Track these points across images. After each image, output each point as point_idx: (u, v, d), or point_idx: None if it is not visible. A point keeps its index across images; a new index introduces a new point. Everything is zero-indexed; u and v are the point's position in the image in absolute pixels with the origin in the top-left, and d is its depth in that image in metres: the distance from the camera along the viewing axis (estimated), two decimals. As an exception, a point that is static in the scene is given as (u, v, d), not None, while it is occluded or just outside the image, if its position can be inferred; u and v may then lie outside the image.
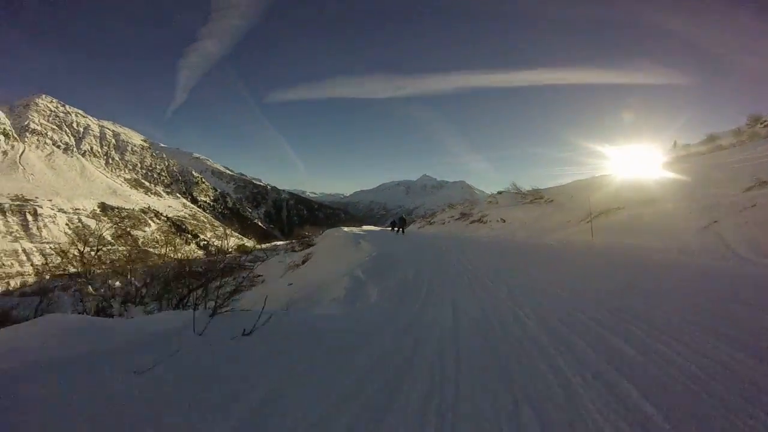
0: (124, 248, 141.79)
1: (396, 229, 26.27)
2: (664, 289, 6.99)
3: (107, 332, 3.89)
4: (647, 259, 10.55)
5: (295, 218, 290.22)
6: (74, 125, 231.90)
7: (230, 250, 38.41)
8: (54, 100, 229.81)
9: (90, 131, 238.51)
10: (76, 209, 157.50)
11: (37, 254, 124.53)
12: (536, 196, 28.57)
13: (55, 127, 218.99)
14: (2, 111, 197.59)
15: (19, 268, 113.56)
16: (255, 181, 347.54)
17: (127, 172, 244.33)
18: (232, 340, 4.31)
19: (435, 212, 51.79)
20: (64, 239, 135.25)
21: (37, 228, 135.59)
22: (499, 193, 36.05)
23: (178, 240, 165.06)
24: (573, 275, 9.28)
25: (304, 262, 20.16)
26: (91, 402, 2.65)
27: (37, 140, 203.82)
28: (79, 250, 10.24)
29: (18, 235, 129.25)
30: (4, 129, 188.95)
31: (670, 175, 19.28)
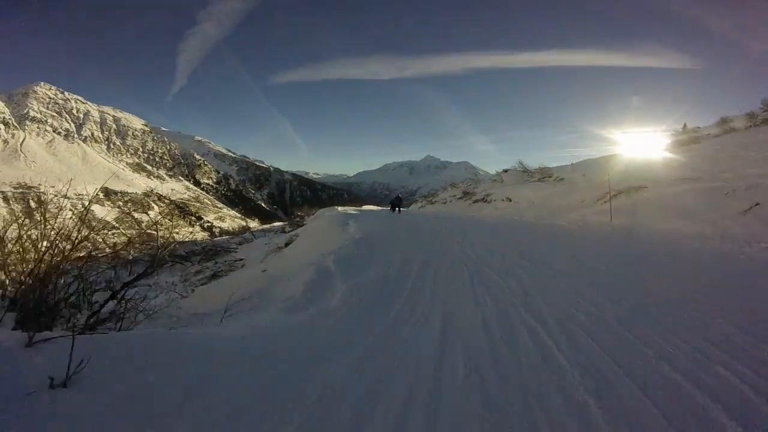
0: (129, 232, 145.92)
1: (393, 208, 25.36)
2: (734, 299, 5.08)
3: None
4: (686, 248, 8.77)
5: (298, 199, 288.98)
6: (74, 112, 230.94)
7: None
8: (53, 88, 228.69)
9: (90, 117, 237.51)
10: (79, 195, 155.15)
11: (43, 240, 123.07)
12: (545, 174, 26.81)
13: (54, 114, 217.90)
14: (1, 100, 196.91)
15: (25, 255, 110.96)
16: (258, 163, 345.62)
17: (129, 156, 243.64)
18: (27, 397, 2.42)
19: (436, 191, 49.78)
20: (69, 225, 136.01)
21: (41, 214, 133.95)
22: (505, 171, 33.43)
23: (181, 222, 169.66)
24: (600, 269, 7.35)
25: (287, 244, 18.51)
26: None
27: (38, 128, 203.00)
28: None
29: (22, 222, 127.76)
30: (4, 118, 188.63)
31: (694, 153, 17.50)
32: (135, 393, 2.80)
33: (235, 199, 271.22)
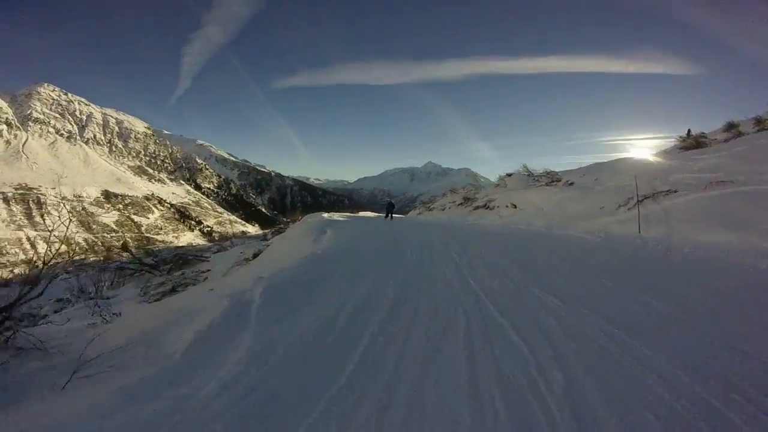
0: (128, 235, 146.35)
1: (387, 215, 24.92)
2: None
3: None
4: (761, 273, 6.35)
5: (299, 205, 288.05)
6: (77, 113, 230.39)
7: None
8: (56, 89, 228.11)
9: (93, 119, 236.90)
10: (79, 197, 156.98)
11: (41, 242, 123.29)
12: (553, 178, 24.67)
13: (57, 115, 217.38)
14: (4, 101, 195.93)
15: (23, 256, 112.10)
16: (259, 168, 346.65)
17: (130, 159, 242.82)
18: None
19: (435, 197, 47.71)
20: (69, 227, 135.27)
21: (41, 216, 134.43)
22: (508, 175, 30.94)
23: (181, 226, 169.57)
24: (669, 314, 4.86)
25: (254, 256, 16.33)
26: None
27: (40, 129, 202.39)
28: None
29: (21, 224, 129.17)
30: (7, 119, 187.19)
31: (718, 153, 15.47)
32: None
33: (235, 203, 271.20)
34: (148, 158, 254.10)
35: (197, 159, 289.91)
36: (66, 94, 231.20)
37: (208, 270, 17.18)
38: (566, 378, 3.38)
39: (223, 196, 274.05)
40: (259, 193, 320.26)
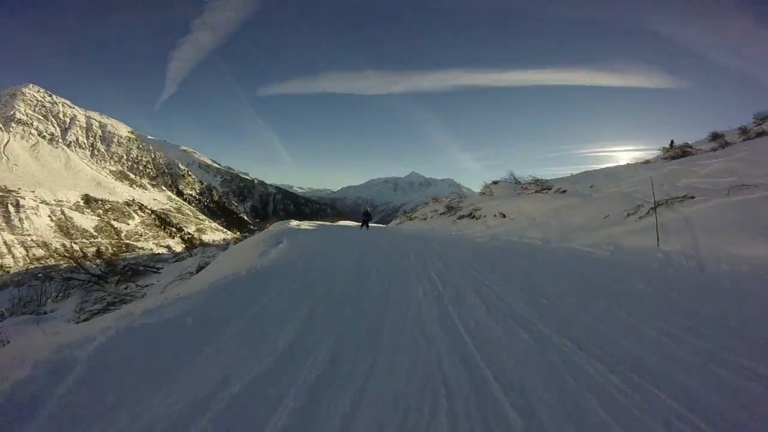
0: (107, 241, 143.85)
1: (363, 224, 23.80)
2: None
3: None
4: None
5: (281, 213, 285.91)
6: (61, 115, 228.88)
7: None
8: (41, 90, 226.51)
9: (76, 122, 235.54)
10: (59, 201, 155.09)
11: (18, 246, 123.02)
12: (543, 186, 22.79)
13: (41, 117, 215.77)
14: None
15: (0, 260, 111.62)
16: (242, 175, 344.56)
17: (112, 163, 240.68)
18: None
19: (418, 207, 44.99)
20: (46, 231, 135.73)
21: (19, 219, 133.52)
22: (495, 182, 28.85)
23: (161, 233, 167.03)
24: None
25: (199, 269, 14.19)
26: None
27: (23, 130, 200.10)
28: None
29: None
30: None
31: (727, 158, 13.65)
32: None
33: (217, 210, 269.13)
34: (130, 163, 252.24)
35: (180, 165, 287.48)
36: (50, 96, 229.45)
37: (149, 285, 15.69)
38: None
39: (205, 203, 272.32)
40: (241, 200, 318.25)
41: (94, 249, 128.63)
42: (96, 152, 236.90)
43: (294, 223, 21.81)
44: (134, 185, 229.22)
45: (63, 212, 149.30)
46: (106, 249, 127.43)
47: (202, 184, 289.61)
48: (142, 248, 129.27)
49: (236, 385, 3.08)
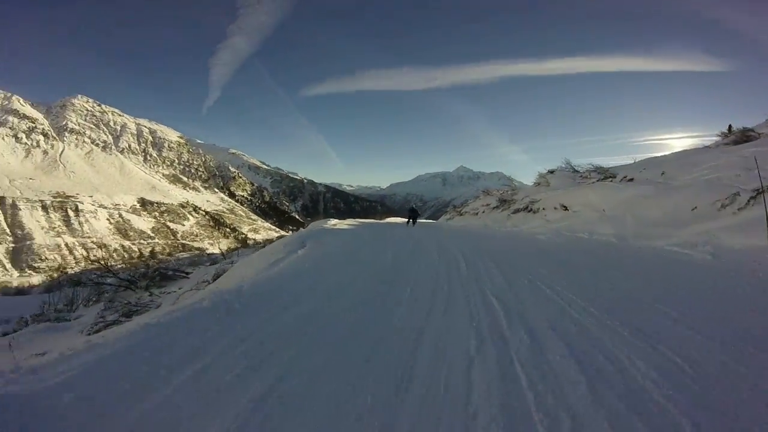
0: (164, 241, 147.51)
1: (408, 221, 23.11)
2: None
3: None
4: None
5: (331, 211, 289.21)
6: (111, 124, 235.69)
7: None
8: (90, 100, 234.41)
9: (127, 129, 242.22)
10: (116, 204, 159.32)
11: (79, 248, 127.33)
12: (605, 175, 19.98)
13: (92, 126, 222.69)
14: (40, 112, 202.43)
15: (62, 261, 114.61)
16: (291, 175, 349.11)
17: (165, 168, 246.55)
18: None
19: (468, 201, 41.85)
20: (105, 233, 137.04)
21: (79, 223, 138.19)
22: (550, 172, 26.40)
23: (216, 233, 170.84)
24: None
25: (216, 277, 13.22)
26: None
27: (76, 139, 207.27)
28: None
29: (60, 230, 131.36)
30: (43, 129, 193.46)
31: None
32: None
33: (269, 210, 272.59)
34: (182, 167, 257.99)
35: (230, 167, 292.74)
36: (100, 105, 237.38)
37: (170, 292, 14.23)
38: None
39: (257, 204, 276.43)
40: (292, 200, 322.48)
41: (151, 249, 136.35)
42: (148, 157, 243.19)
43: (332, 222, 20.08)
44: (187, 188, 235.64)
45: (120, 215, 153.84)
46: (163, 249, 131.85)
47: (253, 185, 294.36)
48: (198, 248, 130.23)
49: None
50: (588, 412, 2.55)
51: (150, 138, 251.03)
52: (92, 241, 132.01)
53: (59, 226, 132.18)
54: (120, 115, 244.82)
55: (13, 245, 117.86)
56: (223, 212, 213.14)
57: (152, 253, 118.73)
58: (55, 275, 70.35)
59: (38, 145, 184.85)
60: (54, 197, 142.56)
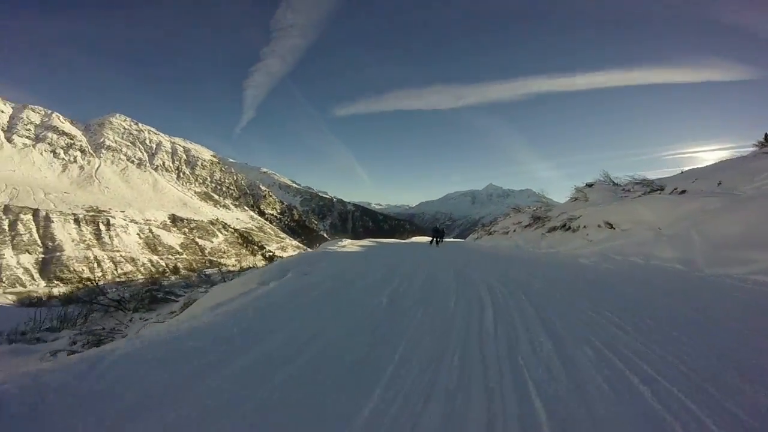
0: (191, 257, 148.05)
1: (432, 241, 23.39)
2: None
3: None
4: None
5: (360, 229, 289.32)
6: (147, 142, 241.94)
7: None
8: (127, 119, 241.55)
9: (162, 147, 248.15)
10: (147, 220, 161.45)
11: (107, 261, 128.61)
12: (652, 187, 17.25)
13: (128, 143, 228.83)
14: (78, 129, 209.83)
15: (89, 274, 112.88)
16: (321, 194, 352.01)
17: (197, 185, 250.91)
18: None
19: (497, 219, 39.39)
20: (135, 248, 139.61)
21: (109, 237, 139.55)
22: (589, 185, 23.65)
23: (243, 250, 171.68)
24: None
25: (184, 306, 12.03)
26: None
27: (112, 156, 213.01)
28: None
29: (90, 243, 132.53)
30: (81, 146, 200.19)
31: None
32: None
33: (298, 229, 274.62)
34: (213, 185, 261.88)
35: (261, 186, 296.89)
36: (137, 124, 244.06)
37: (147, 320, 12.81)
38: None
39: (286, 222, 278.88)
40: (321, 218, 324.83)
41: (178, 264, 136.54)
42: (181, 175, 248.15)
43: (343, 242, 19.02)
44: (218, 205, 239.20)
45: (150, 230, 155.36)
46: (189, 264, 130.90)
47: (283, 203, 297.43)
48: (225, 264, 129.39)
49: None
50: None
51: (184, 156, 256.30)
52: (121, 255, 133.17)
53: (90, 239, 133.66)
54: (156, 134, 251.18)
55: (42, 256, 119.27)
56: (252, 230, 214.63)
57: (175, 268, 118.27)
58: (80, 287, 69.01)
59: (75, 161, 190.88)
60: (87, 211, 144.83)
